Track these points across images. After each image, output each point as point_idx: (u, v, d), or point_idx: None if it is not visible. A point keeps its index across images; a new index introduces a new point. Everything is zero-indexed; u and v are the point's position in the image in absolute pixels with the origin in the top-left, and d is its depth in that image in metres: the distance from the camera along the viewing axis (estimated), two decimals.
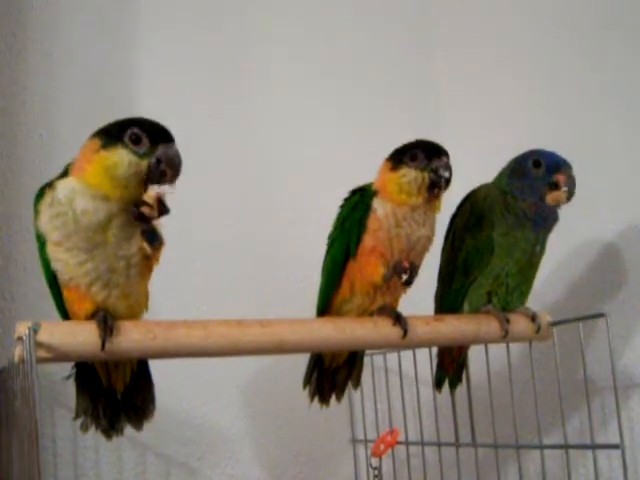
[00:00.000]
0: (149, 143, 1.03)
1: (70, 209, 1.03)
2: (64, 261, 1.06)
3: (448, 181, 1.25)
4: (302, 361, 1.50)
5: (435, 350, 1.63)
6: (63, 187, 1.05)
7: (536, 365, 1.48)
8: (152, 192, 1.07)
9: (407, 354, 1.71)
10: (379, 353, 1.79)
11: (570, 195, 1.37)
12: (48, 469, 1.67)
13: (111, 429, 1.23)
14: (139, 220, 1.07)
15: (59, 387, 1.58)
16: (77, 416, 1.23)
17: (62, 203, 1.03)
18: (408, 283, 1.27)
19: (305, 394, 1.50)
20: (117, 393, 1.22)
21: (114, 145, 1.03)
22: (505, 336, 1.40)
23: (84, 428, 1.23)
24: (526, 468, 1.52)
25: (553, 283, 1.69)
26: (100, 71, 1.82)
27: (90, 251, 1.05)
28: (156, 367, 1.28)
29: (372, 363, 1.82)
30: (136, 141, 1.03)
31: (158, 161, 1.04)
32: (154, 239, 1.10)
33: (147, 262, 1.12)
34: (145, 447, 1.72)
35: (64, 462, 1.68)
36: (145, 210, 1.07)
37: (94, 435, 1.34)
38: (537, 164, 1.38)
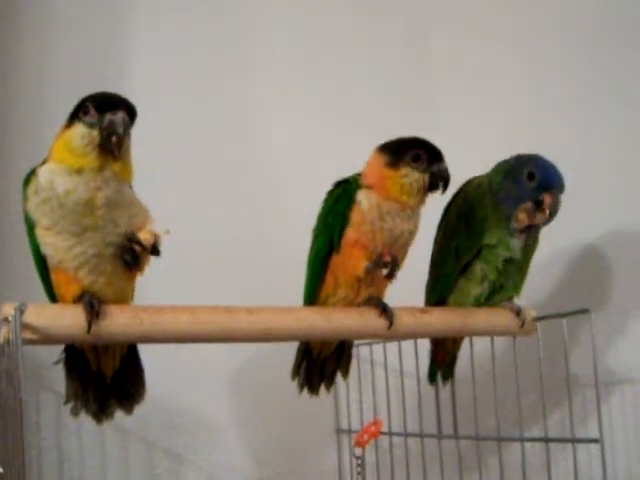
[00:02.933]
0: (96, 113, 1.05)
1: (53, 193, 1.04)
2: (53, 245, 1.07)
3: (447, 185, 1.28)
4: (288, 351, 1.50)
5: (421, 342, 1.64)
6: (43, 172, 1.07)
7: (519, 360, 1.49)
8: (149, 234, 1.09)
9: (393, 346, 1.71)
10: (365, 344, 1.79)
11: (548, 219, 1.37)
12: (32, 453, 1.67)
13: (101, 413, 1.24)
14: (126, 253, 1.09)
15: (44, 372, 1.58)
16: (67, 401, 1.23)
17: (45, 188, 1.05)
18: (390, 276, 1.27)
19: (291, 384, 1.50)
20: (106, 377, 1.23)
21: (72, 121, 1.07)
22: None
23: (74, 412, 1.23)
24: (507, 461, 1.53)
25: (539, 280, 1.70)
26: (93, 49, 1.82)
27: (79, 235, 1.06)
28: (142, 353, 1.28)
29: (358, 354, 1.81)
30: (85, 112, 1.06)
31: (106, 129, 1.05)
32: (134, 266, 1.12)
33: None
34: (129, 432, 1.72)
35: (48, 446, 1.68)
36: (137, 249, 1.09)
37: (78, 420, 1.34)
38: (531, 176, 1.37)
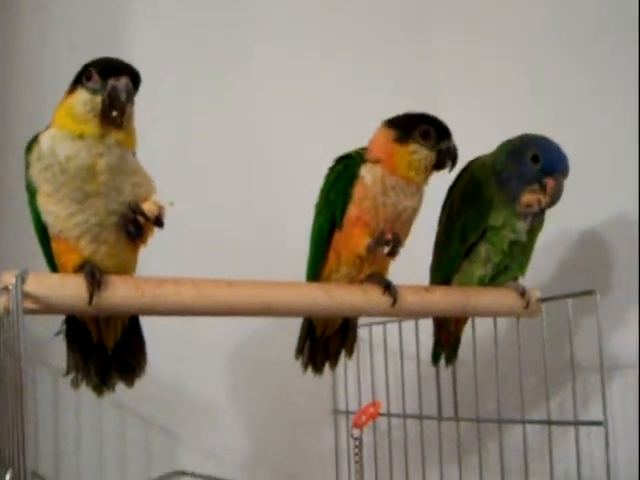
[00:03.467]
0: (100, 79, 1.03)
1: (55, 159, 1.02)
2: (54, 213, 1.05)
3: (455, 163, 1.26)
4: (287, 330, 1.49)
5: (421, 323, 1.63)
6: (45, 138, 1.05)
7: (522, 342, 1.48)
8: (153, 206, 1.07)
9: (392, 328, 1.71)
10: (364, 325, 1.78)
11: (550, 204, 1.36)
12: (28, 428, 1.65)
13: (102, 385, 1.23)
14: (129, 224, 1.08)
15: (41, 346, 1.56)
16: (68, 372, 1.21)
17: (46, 155, 1.03)
18: (392, 254, 1.25)
19: (289, 363, 1.49)
20: (108, 349, 1.21)
21: (75, 86, 1.05)
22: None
23: (75, 384, 1.22)
24: (505, 444, 1.52)
25: (543, 262, 1.68)
26: (93, 30, 1.80)
27: (81, 202, 1.04)
28: None
29: (357, 335, 1.80)
30: (89, 78, 1.04)
31: (109, 96, 1.03)
32: (137, 237, 1.10)
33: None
34: (126, 408, 1.72)
35: (44, 421, 1.68)
36: (140, 220, 1.07)
37: (75, 395, 1.33)
38: (535, 159, 1.34)
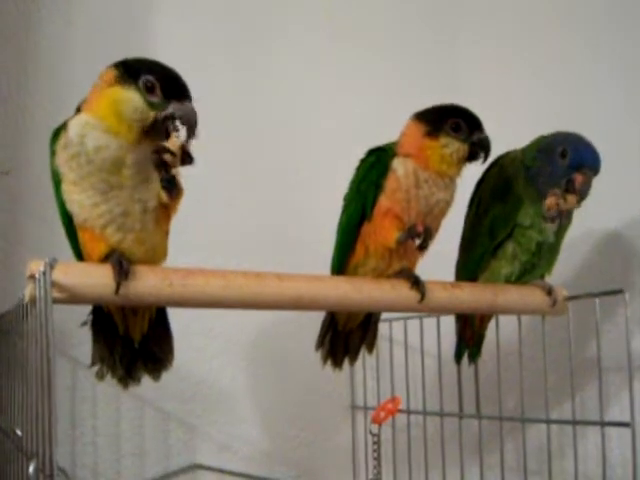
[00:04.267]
0: (161, 95, 0.99)
1: (82, 148, 0.99)
2: (79, 202, 1.02)
3: (488, 154, 1.24)
4: (307, 323, 1.48)
5: (443, 319, 1.61)
6: (74, 124, 1.01)
7: (541, 341, 1.46)
8: (176, 140, 1.02)
9: (412, 323, 1.69)
10: (384, 321, 1.75)
11: (579, 201, 1.33)
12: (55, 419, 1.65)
13: (128, 378, 1.21)
14: (160, 167, 1.04)
15: (59, 335, 1.55)
16: (93, 364, 1.20)
17: (74, 143, 1.00)
18: (422, 247, 1.24)
19: (308, 357, 1.48)
20: (134, 342, 1.20)
21: (129, 84, 0.99)
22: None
23: (99, 376, 1.20)
24: (519, 440, 1.50)
25: (569, 259, 1.66)
26: (117, 16, 1.78)
27: (105, 192, 1.01)
28: None
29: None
30: (150, 89, 0.99)
31: (166, 118, 1.00)
32: (172, 188, 1.06)
33: (164, 210, 1.08)
34: (144, 401, 1.70)
35: (61, 412, 1.66)
36: (167, 158, 1.03)
37: (92, 386, 1.32)
38: (563, 154, 1.32)
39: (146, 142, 1.01)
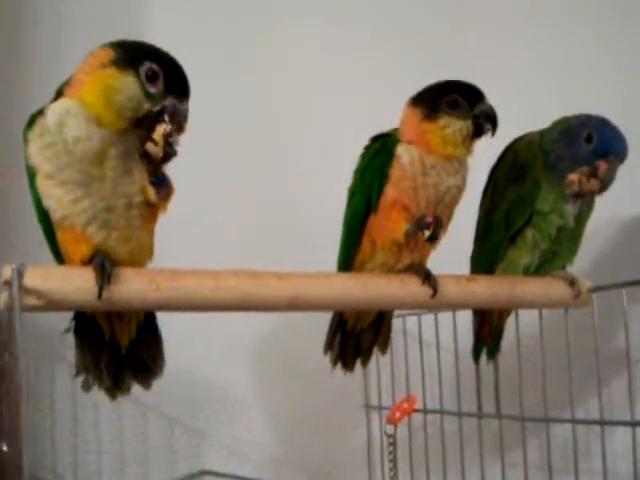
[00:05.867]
0: (163, 89, 0.92)
1: (60, 138, 0.91)
2: (57, 197, 0.94)
3: (496, 125, 1.14)
4: (316, 322, 1.40)
5: (459, 314, 1.54)
6: (54, 111, 0.92)
7: (562, 335, 1.38)
8: (161, 129, 0.93)
9: (427, 319, 1.62)
10: (398, 316, 1.69)
11: (601, 189, 1.25)
12: (45, 426, 1.62)
13: (116, 388, 1.13)
14: (144, 159, 0.96)
15: (60, 340, 1.48)
16: (78, 373, 1.12)
17: (52, 131, 0.91)
18: (432, 239, 1.15)
19: (317, 356, 1.40)
20: (121, 348, 1.12)
21: (127, 68, 0.90)
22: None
23: (86, 387, 1.12)
24: (542, 439, 1.43)
25: (593, 249, 1.57)
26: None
27: (86, 186, 0.93)
28: (161, 324, 1.17)
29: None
30: (151, 79, 0.91)
31: (161, 112, 0.92)
32: (162, 184, 0.98)
33: (151, 207, 1.00)
34: (147, 407, 1.66)
35: (62, 419, 1.64)
36: (150, 148, 0.94)
37: (94, 392, 1.26)
38: (589, 139, 1.25)
39: (131, 132, 0.94)
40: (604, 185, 1.24)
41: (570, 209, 1.29)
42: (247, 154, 1.78)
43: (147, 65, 0.90)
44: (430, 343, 1.64)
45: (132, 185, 0.96)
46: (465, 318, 1.53)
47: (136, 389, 1.18)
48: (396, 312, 1.61)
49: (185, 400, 1.70)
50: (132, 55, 0.91)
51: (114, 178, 0.94)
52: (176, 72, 0.93)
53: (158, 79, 0.91)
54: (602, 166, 1.23)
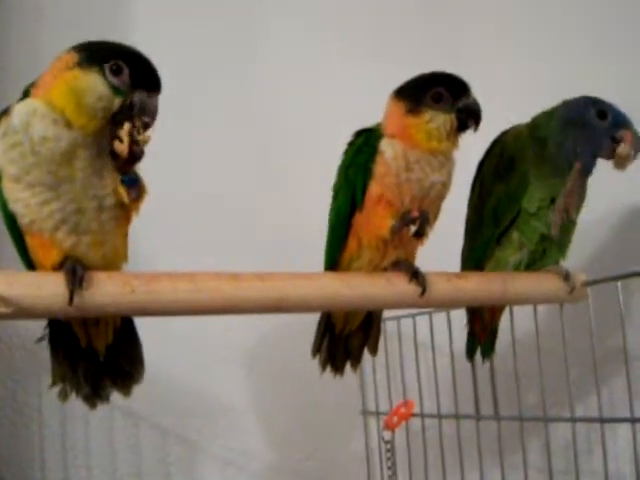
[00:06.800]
0: (129, 82, 0.90)
1: (26, 137, 0.88)
2: (24, 201, 0.91)
3: (479, 120, 1.12)
4: (311, 325, 1.37)
5: (454, 315, 1.51)
6: (20, 110, 0.90)
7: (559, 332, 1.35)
8: (127, 126, 0.91)
9: (422, 320, 1.59)
10: (392, 318, 1.66)
11: (634, 156, 1.24)
12: (33, 441, 1.58)
13: (95, 396, 1.10)
14: (113, 158, 0.93)
15: (45, 352, 1.46)
16: (54, 383, 1.09)
17: (17, 130, 0.88)
18: (418, 234, 1.12)
19: (312, 362, 1.37)
20: (99, 355, 1.09)
21: (91, 67, 0.89)
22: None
23: (63, 396, 1.09)
24: (544, 442, 1.39)
25: (587, 242, 1.54)
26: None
27: (54, 188, 0.90)
28: (147, 330, 1.14)
29: (385, 329, 1.68)
30: (116, 72, 0.89)
31: (131, 106, 0.90)
32: (133, 185, 0.95)
33: (124, 209, 0.97)
34: (139, 418, 1.64)
35: (51, 434, 1.62)
36: (117, 146, 0.92)
37: (83, 404, 1.23)
38: (602, 115, 1.23)
39: (103, 131, 0.91)
40: (637, 150, 1.23)
41: (555, 220, 1.26)
42: (230, 153, 1.76)
43: (111, 61, 0.89)
44: (426, 345, 1.61)
45: (103, 187, 0.93)
46: (461, 319, 1.49)
47: (128, 401, 1.15)
48: (390, 314, 1.59)
49: (177, 410, 1.66)
50: (96, 54, 0.90)
51: (84, 179, 0.91)
52: (142, 65, 0.91)
53: (123, 73, 0.89)
54: (627, 136, 1.22)
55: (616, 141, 1.22)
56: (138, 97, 0.89)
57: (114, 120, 0.90)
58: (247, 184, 1.75)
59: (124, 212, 0.97)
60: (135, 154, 0.91)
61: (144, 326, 1.13)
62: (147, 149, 0.97)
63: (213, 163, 1.72)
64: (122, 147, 0.90)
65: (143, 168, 0.97)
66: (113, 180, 0.93)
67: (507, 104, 1.52)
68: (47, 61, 1.42)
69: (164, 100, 1.64)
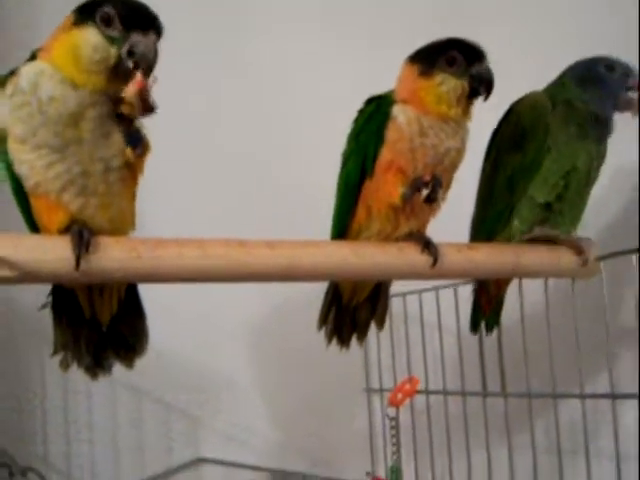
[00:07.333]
0: (121, 27, 0.87)
1: (35, 98, 0.87)
2: (30, 163, 0.89)
3: (491, 89, 1.09)
4: (316, 302, 1.34)
5: (461, 291, 1.50)
6: (28, 71, 0.88)
7: (567, 307, 1.33)
8: (132, 87, 0.88)
9: (429, 297, 1.57)
10: (398, 295, 1.64)
11: None
12: (36, 415, 1.57)
13: (96, 366, 1.08)
14: (120, 120, 0.91)
15: (48, 325, 1.44)
16: (55, 351, 1.07)
17: (25, 91, 0.87)
18: (430, 200, 1.09)
19: (316, 338, 1.34)
20: (102, 325, 1.07)
21: (84, 23, 0.88)
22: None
23: (64, 365, 1.07)
24: (552, 420, 1.37)
25: (599, 214, 1.51)
26: None
27: (61, 150, 0.88)
28: (152, 305, 1.12)
29: (390, 306, 1.65)
30: (107, 22, 0.87)
31: (130, 52, 0.87)
32: (137, 143, 0.92)
33: (130, 170, 0.95)
34: (142, 393, 1.62)
35: (54, 407, 1.60)
36: (125, 109, 0.90)
37: (85, 379, 1.21)
38: (610, 68, 1.24)
39: (110, 90, 0.89)
40: None
41: (592, 147, 1.25)
42: (239, 120, 1.75)
43: (100, 12, 0.87)
44: (431, 322, 1.59)
45: (110, 148, 0.91)
46: (468, 295, 1.47)
47: (131, 377, 1.14)
48: (396, 290, 1.56)
49: (180, 385, 1.67)
50: (87, 9, 0.88)
51: (91, 141, 0.89)
52: (130, 7, 0.89)
53: (114, 20, 0.87)
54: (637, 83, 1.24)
55: (630, 89, 1.23)
56: (134, 39, 0.87)
57: (119, 74, 0.88)
58: (256, 152, 1.73)
59: (130, 173, 0.95)
60: (147, 112, 0.89)
61: (149, 301, 1.11)
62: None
63: (221, 130, 1.71)
64: (133, 110, 0.88)
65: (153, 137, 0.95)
66: (119, 142, 0.91)
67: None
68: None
69: (172, 74, 1.63)
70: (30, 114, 0.87)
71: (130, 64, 0.87)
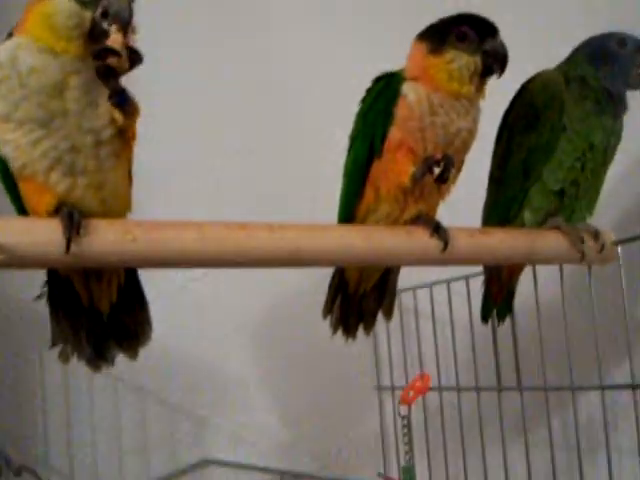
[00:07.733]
0: None
1: (14, 71, 0.84)
2: (14, 142, 0.85)
3: (505, 65, 1.05)
4: (323, 295, 1.30)
5: (473, 283, 1.46)
6: (5, 47, 0.86)
7: (584, 297, 1.30)
8: (117, 37, 0.86)
9: (440, 290, 1.55)
10: (408, 289, 1.60)
11: None
12: (36, 415, 1.54)
13: (98, 358, 1.03)
14: (106, 76, 0.88)
15: (48, 324, 1.41)
16: (54, 344, 1.03)
17: (4, 66, 0.84)
18: (441, 179, 1.05)
19: (324, 334, 1.30)
20: (102, 314, 1.02)
21: None
22: (582, 259, 1.21)
23: (64, 358, 1.03)
24: (568, 413, 1.32)
25: (615, 199, 1.46)
26: None
27: (46, 125, 0.84)
28: (155, 303, 1.08)
29: (400, 300, 1.62)
30: None
31: (104, 14, 0.85)
32: (125, 102, 0.88)
33: (122, 142, 0.91)
34: (146, 393, 1.60)
35: (54, 408, 1.60)
36: (112, 62, 0.87)
37: (87, 377, 1.18)
38: (622, 43, 1.22)
39: (91, 55, 0.87)
40: None
41: (608, 123, 1.21)
42: (242, 101, 1.71)
43: None
44: (443, 318, 1.57)
45: (99, 118, 0.87)
46: (479, 286, 1.43)
47: (134, 375, 1.09)
48: (405, 285, 1.53)
49: (186, 385, 1.63)
50: None
51: (78, 112, 0.86)
52: None
53: None
54: None
55: None
56: (107, 2, 0.85)
57: (95, 37, 0.86)
58: (260, 134, 1.71)
59: (123, 144, 0.91)
60: (135, 63, 0.87)
61: (151, 298, 1.07)
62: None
63: (224, 110, 1.68)
64: (121, 61, 0.86)
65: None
66: (108, 109, 0.88)
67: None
68: None
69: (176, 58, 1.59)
70: (11, 89, 0.84)
71: (106, 25, 0.84)
